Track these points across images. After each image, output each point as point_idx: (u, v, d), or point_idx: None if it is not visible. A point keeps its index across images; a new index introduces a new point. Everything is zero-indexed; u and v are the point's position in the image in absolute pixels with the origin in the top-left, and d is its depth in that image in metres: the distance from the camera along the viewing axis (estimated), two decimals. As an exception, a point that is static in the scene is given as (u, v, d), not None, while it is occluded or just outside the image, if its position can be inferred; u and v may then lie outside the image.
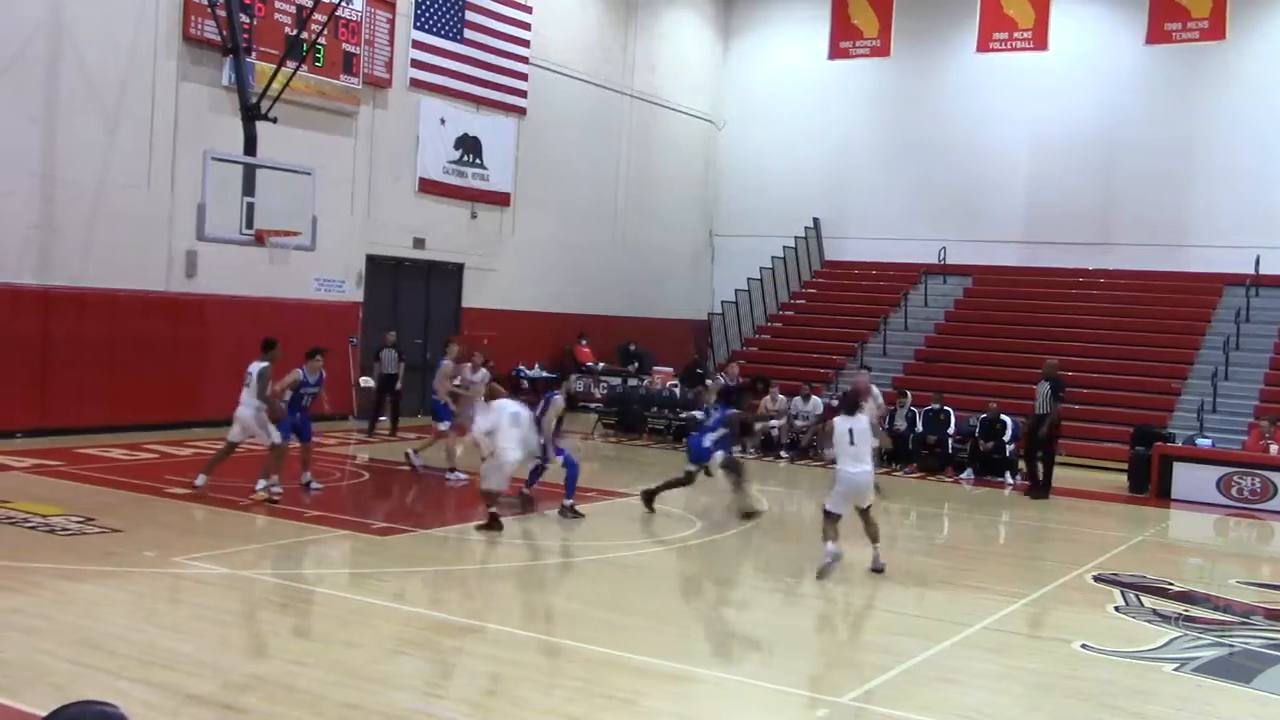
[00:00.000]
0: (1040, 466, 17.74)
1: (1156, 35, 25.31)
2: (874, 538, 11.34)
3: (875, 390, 18.79)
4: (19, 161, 17.02)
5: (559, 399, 13.80)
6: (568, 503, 13.46)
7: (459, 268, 24.71)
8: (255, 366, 13.38)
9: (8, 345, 16.80)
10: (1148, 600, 10.92)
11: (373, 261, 22.72)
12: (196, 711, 6.73)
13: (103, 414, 17.59)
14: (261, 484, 13.17)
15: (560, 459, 13.58)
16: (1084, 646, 9.10)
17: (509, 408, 12.57)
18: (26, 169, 17.13)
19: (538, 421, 13.22)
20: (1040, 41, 26.06)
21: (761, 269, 29.31)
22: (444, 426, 15.87)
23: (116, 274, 18.13)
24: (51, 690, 6.69)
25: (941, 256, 28.35)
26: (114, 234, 18.12)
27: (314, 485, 14.01)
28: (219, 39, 18.16)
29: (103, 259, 17.99)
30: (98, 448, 16.32)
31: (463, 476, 15.17)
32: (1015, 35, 26.31)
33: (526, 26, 25.64)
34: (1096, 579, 11.81)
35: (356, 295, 22.35)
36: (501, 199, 25.56)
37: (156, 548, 10.64)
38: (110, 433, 17.15)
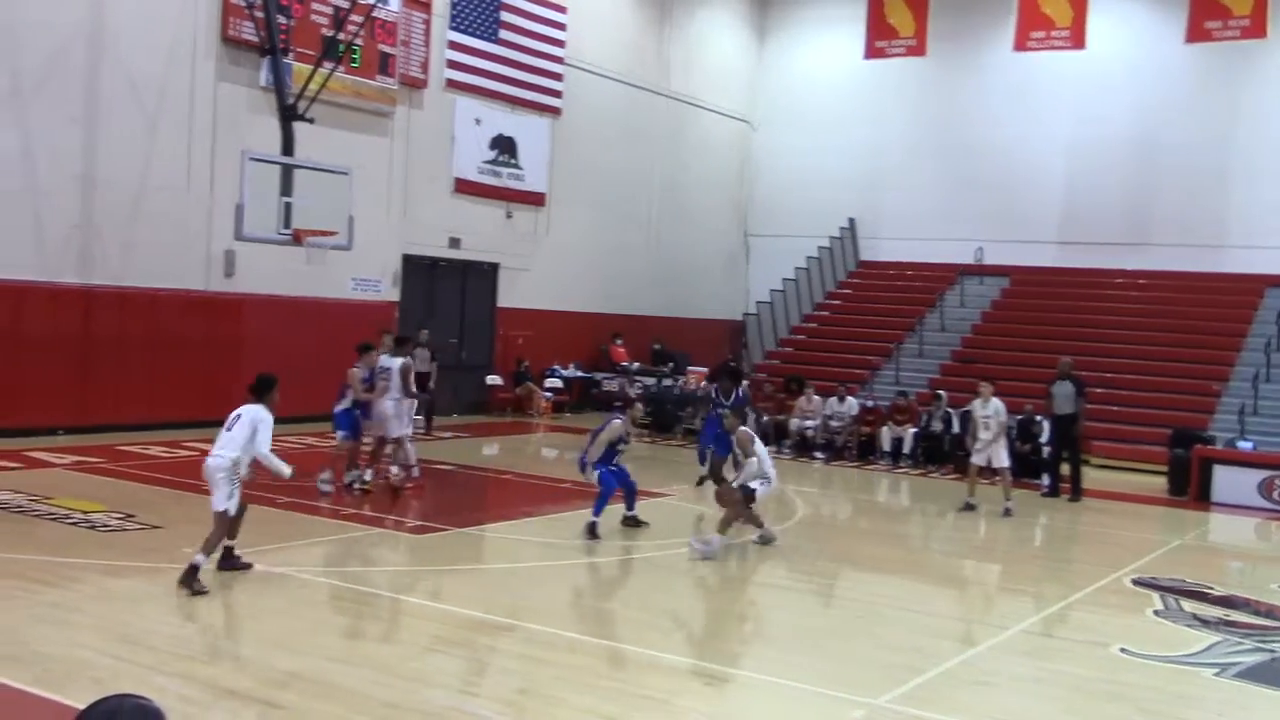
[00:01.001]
0: (1070, 468, 17.57)
1: (1196, 34, 25.04)
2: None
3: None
4: (61, 162, 17.21)
5: (618, 423, 12.77)
6: (628, 513, 12.97)
7: (494, 267, 24.79)
8: (394, 362, 14.11)
9: (50, 343, 16.99)
10: (1188, 605, 10.80)
11: (409, 261, 22.83)
12: (234, 706, 6.78)
13: (142, 412, 17.76)
14: (353, 474, 14.02)
15: (597, 474, 12.56)
16: (1123, 650, 9.01)
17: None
18: (68, 169, 17.32)
19: (594, 435, 12.85)
20: (1078, 40, 25.83)
21: (797, 269, 29.23)
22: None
23: (156, 273, 18.30)
24: (91, 684, 6.76)
25: (978, 257, 28.17)
26: (154, 234, 18.29)
27: (365, 479, 14.16)
28: (257, 40, 18.30)
29: (142, 258, 18.17)
30: (137, 445, 16.47)
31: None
32: (1053, 34, 26.09)
33: (562, 27, 25.69)
34: (1135, 582, 11.69)
35: (393, 295, 22.46)
36: (536, 199, 25.61)
37: (195, 544, 10.73)
38: (150, 430, 17.31)
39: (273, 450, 9.56)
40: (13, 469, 14.12)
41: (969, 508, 15.71)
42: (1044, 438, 18.95)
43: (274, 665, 7.54)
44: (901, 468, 20.09)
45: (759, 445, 12.31)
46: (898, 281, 29.36)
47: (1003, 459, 15.77)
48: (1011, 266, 28.00)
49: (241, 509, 9.60)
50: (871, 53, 28.42)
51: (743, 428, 12.53)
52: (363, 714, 6.72)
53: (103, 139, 17.69)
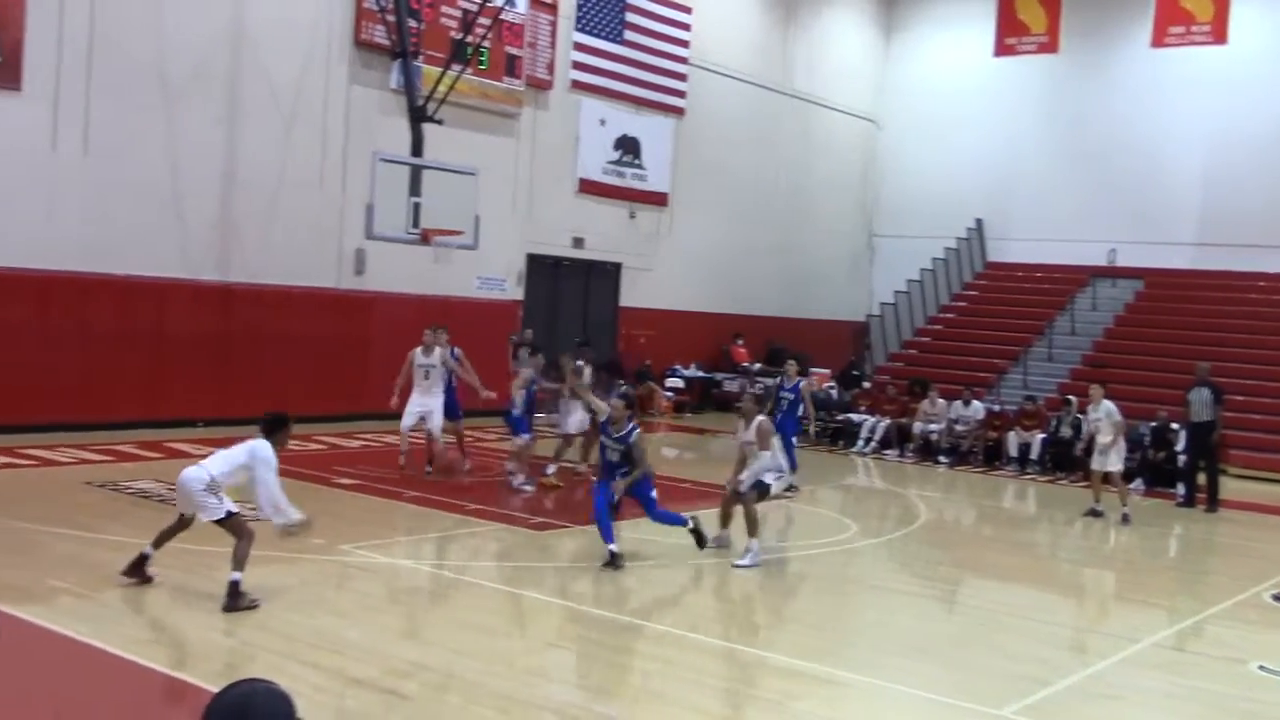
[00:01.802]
0: (1207, 478, 16.98)
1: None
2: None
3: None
4: (203, 162, 17.85)
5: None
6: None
7: (617, 267, 24.94)
8: (586, 367, 14.91)
9: (192, 339, 17.62)
10: (1331, 622, 10.36)
11: (533, 261, 23.11)
12: (360, 695, 6.95)
13: (275, 406, 18.18)
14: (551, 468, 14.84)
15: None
16: (1261, 668, 8.68)
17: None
18: (210, 169, 17.96)
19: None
20: (1219, 35, 24.96)
21: (922, 270, 28.80)
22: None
23: (290, 271, 18.85)
24: (225, 669, 7.01)
25: (1111, 259, 27.40)
26: (288, 232, 18.85)
27: (546, 472, 14.93)
28: (388, 43, 18.71)
29: (278, 256, 18.74)
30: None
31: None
32: (1192, 29, 25.26)
33: (686, 27, 25.74)
34: (1276, 598, 11.25)
35: (517, 294, 22.76)
36: (659, 199, 25.70)
37: (324, 536, 11.01)
38: (283, 424, 17.77)
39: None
40: (155, 459, 14.68)
41: (1094, 514, 15.31)
42: (1179, 445, 18.35)
43: (398, 655, 7.71)
44: (1028, 474, 19.66)
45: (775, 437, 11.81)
46: (1026, 284, 28.72)
47: (1114, 463, 15.30)
48: (1146, 269, 27.17)
49: (188, 521, 8.92)
50: (1001, 50, 27.88)
51: (762, 417, 11.61)
52: (482, 705, 6.83)
53: (242, 140, 18.29)
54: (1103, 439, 15.30)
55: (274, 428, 9.05)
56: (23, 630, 7.70)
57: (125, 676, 7.12)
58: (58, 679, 7.23)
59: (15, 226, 15.73)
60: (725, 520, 11.69)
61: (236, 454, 8.80)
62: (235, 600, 8.31)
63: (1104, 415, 15.30)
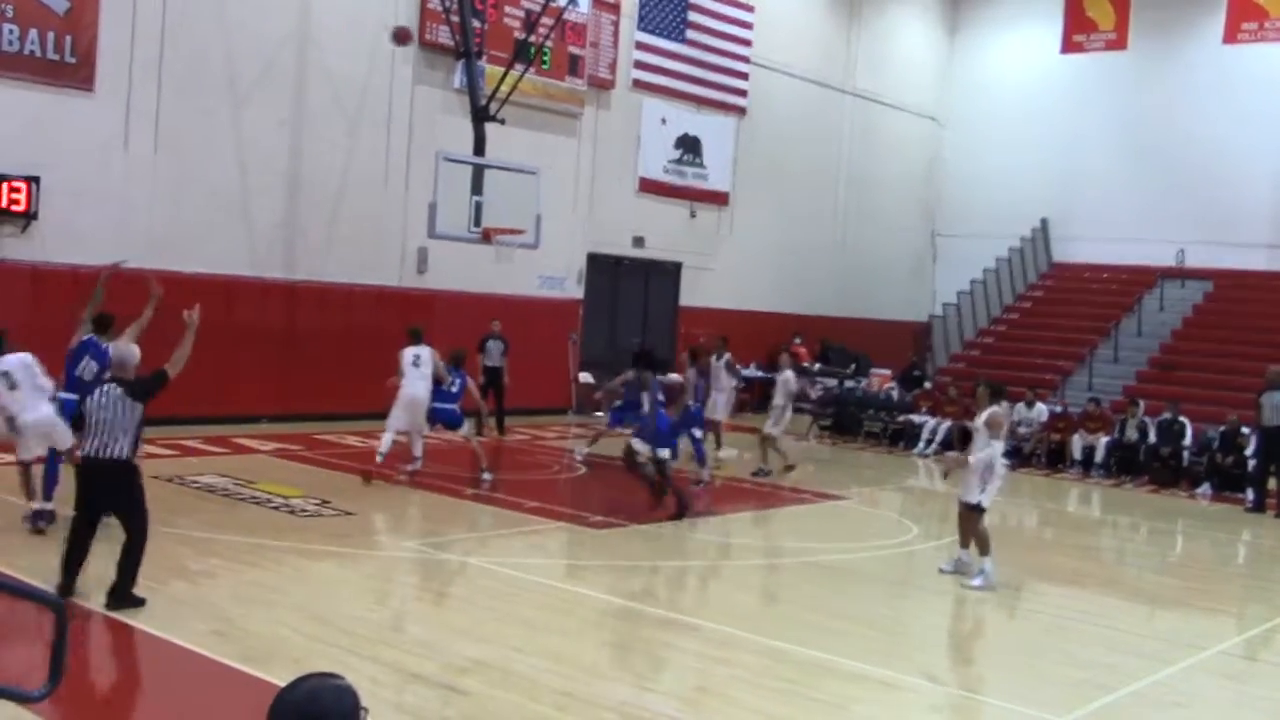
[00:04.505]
0: (1278, 483, 16.64)
1: None
2: None
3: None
4: (269, 162, 18.10)
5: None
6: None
7: (677, 266, 24.93)
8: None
9: (257, 336, 17.87)
10: (1407, 632, 10.12)
11: (593, 259, 23.17)
12: (420, 690, 7.02)
13: (339, 402, 18.48)
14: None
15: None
16: (1332, 678, 8.50)
17: None
18: (276, 169, 18.22)
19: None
20: (1294, 31, 24.43)
21: (985, 270, 28.46)
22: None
23: (354, 269, 19.07)
24: (290, 662, 7.10)
25: (1179, 260, 26.92)
26: (352, 231, 19.06)
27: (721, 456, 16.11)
28: (452, 44, 18.85)
29: (342, 255, 18.96)
30: (334, 434, 17.18)
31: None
32: (1266, 25, 24.74)
33: (749, 26, 25.66)
34: (1348, 607, 11.01)
35: (577, 293, 22.84)
36: (720, 198, 25.66)
37: (386, 532, 11.14)
38: (345, 421, 18.00)
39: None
40: (221, 454, 14.93)
41: None
42: (1249, 450, 18.02)
43: (457, 651, 7.77)
44: (1092, 477, 19.38)
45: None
46: (1092, 284, 28.28)
47: None
48: (1215, 270, 26.64)
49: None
50: (1069, 47, 27.49)
51: (996, 407, 10.88)
52: (540, 703, 6.87)
53: (307, 140, 18.53)
54: None
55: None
56: (92, 624, 7.86)
57: (193, 669, 7.25)
58: (126, 672, 7.38)
59: (88, 224, 16.05)
60: (965, 540, 11.00)
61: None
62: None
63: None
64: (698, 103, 24.91)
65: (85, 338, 10.70)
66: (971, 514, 10.73)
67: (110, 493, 8.28)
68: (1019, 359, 25.42)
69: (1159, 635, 9.80)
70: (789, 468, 16.58)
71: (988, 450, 10.64)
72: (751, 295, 26.16)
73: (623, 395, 15.57)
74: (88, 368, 10.50)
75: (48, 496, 10.11)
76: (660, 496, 12.91)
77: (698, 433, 15.45)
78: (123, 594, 8.04)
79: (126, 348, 8.91)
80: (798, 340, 26.65)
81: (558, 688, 7.13)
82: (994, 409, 10.79)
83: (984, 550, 10.67)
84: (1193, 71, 27.55)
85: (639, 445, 13.01)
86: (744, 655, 8.22)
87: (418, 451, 13.98)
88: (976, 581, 10.50)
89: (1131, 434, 19.47)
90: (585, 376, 20.29)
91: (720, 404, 17.17)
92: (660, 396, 13.52)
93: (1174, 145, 27.49)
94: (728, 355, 17.46)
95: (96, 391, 8.30)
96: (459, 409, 14.40)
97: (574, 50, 21.96)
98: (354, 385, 18.78)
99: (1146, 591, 11.73)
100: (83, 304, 10.99)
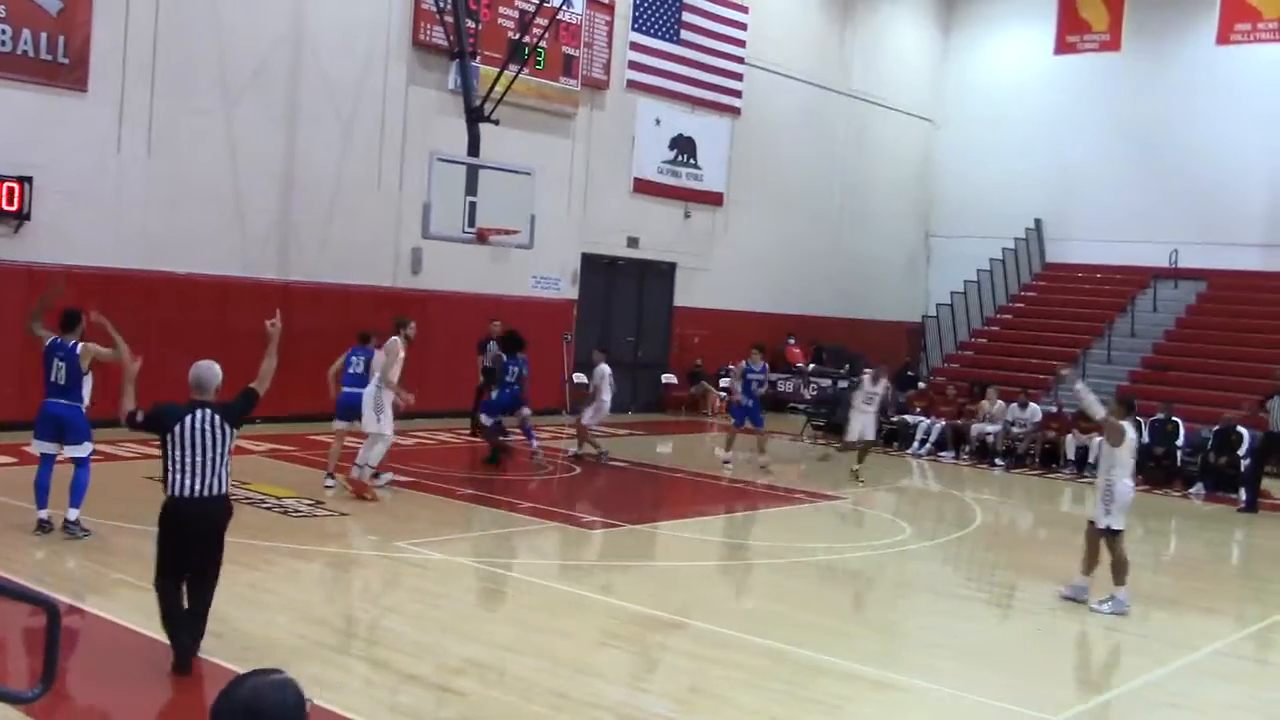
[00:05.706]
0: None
1: None
2: None
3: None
4: (263, 163, 18.07)
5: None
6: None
7: (671, 267, 24.93)
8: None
9: (251, 337, 17.72)
10: (1400, 632, 10.13)
11: (588, 260, 23.16)
12: (415, 691, 7.01)
13: (333, 404, 18.41)
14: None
15: None
16: (1326, 677, 8.51)
17: None
18: (270, 170, 18.19)
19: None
20: (1288, 32, 24.48)
21: (979, 271, 28.48)
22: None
23: (348, 270, 19.04)
24: (283, 663, 7.07)
25: (1173, 260, 26.96)
26: (346, 232, 19.04)
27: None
28: (446, 44, 18.84)
29: (336, 255, 18.93)
30: (328, 435, 17.11)
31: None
32: (1259, 26, 24.78)
33: (743, 27, 25.66)
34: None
35: (571, 293, 22.83)
36: (714, 199, 25.66)
37: (379, 532, 11.12)
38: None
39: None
40: (214, 455, 14.86)
41: None
42: (1242, 450, 18.06)
43: (452, 652, 7.76)
44: (1086, 477, 19.37)
45: None
46: (1086, 285, 28.32)
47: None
48: (1209, 270, 26.68)
49: None
50: (1062, 48, 27.54)
51: (1122, 423, 10.43)
52: (535, 703, 6.86)
53: (301, 141, 18.50)
54: None
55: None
56: (84, 622, 7.84)
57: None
58: (119, 673, 7.35)
59: (81, 225, 16.03)
60: (1090, 564, 10.36)
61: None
62: None
63: None
64: (692, 103, 24.91)
65: (50, 340, 10.27)
66: (1102, 537, 10.23)
67: (205, 540, 7.28)
68: (1013, 359, 25.47)
69: (1152, 635, 9.80)
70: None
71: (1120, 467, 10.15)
72: (746, 296, 26.16)
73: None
74: (59, 371, 10.26)
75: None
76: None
77: (525, 411, 16.07)
78: (194, 653, 7.17)
79: (207, 367, 8.03)
80: (791, 341, 26.67)
81: (552, 688, 7.12)
82: (1114, 420, 10.37)
83: (1119, 578, 10.08)
84: (1186, 72, 27.59)
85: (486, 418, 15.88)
86: (738, 655, 8.21)
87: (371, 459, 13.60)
88: (1106, 607, 9.99)
89: (1125, 434, 19.45)
90: (580, 377, 20.29)
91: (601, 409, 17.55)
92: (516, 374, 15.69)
93: (1167, 146, 27.54)
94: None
95: (186, 419, 7.36)
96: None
97: (568, 51, 21.95)
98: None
99: (1141, 591, 11.69)
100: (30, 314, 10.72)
